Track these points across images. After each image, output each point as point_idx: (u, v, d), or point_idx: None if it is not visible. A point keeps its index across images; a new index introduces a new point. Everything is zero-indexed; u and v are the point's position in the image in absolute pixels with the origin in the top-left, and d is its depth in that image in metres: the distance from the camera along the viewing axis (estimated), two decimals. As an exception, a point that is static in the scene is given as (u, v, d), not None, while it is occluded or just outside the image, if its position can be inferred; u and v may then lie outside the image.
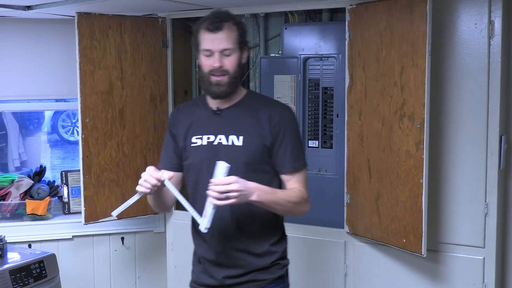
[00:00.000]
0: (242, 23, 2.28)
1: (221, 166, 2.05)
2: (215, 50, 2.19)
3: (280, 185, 2.33)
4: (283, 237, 2.38)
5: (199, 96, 2.60)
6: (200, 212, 2.16)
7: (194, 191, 2.35)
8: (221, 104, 2.31)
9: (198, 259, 2.42)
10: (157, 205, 2.39)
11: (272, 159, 2.28)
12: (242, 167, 2.22)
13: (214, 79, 2.21)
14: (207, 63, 2.22)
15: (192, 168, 2.33)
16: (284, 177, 2.29)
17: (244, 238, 2.28)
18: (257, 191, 2.10)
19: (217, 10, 2.26)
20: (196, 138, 2.31)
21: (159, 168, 2.35)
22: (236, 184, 2.02)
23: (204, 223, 2.08)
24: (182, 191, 2.29)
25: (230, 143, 2.26)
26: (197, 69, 3.94)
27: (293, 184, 2.28)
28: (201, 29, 2.23)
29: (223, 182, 2.02)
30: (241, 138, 2.25)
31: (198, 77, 2.36)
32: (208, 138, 2.29)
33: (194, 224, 2.39)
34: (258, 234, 2.29)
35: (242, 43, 2.25)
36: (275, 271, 2.31)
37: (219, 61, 2.19)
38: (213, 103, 2.33)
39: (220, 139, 2.27)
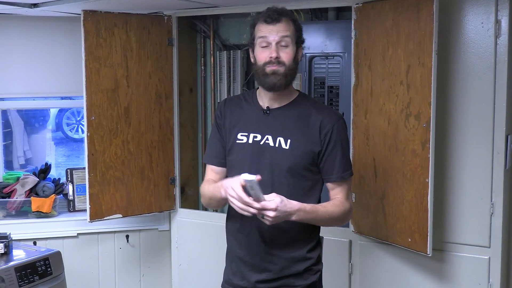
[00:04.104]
0: (298, 20, 2.25)
1: (247, 179, 1.98)
2: (272, 40, 2.15)
3: (320, 194, 2.30)
4: (318, 243, 2.35)
5: (248, 91, 2.54)
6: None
7: None
8: (271, 103, 2.26)
9: (231, 260, 2.36)
10: (215, 204, 2.32)
11: (319, 167, 2.25)
12: (286, 171, 2.20)
13: (270, 68, 2.16)
14: (263, 54, 2.17)
15: (234, 165, 2.29)
16: (329, 185, 2.27)
17: (281, 243, 2.24)
18: (297, 213, 2.06)
19: (274, 6, 2.22)
20: (242, 135, 2.27)
21: (205, 161, 2.38)
22: (273, 212, 1.99)
23: None
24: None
25: (276, 145, 2.21)
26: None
27: (337, 193, 2.25)
28: (258, 21, 2.20)
29: (264, 208, 1.98)
30: (288, 141, 2.20)
31: (253, 72, 2.31)
32: (255, 137, 2.24)
33: (229, 224, 2.36)
34: (295, 239, 2.24)
35: (298, 39, 2.22)
36: (307, 277, 2.28)
37: (276, 51, 2.15)
38: (263, 101, 2.28)
39: (267, 140, 2.23)
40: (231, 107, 2.36)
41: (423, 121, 2.73)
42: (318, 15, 3.62)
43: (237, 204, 2.02)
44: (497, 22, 2.77)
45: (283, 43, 2.17)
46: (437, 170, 2.79)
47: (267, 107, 2.27)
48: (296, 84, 3.49)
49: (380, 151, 2.98)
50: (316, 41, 3.44)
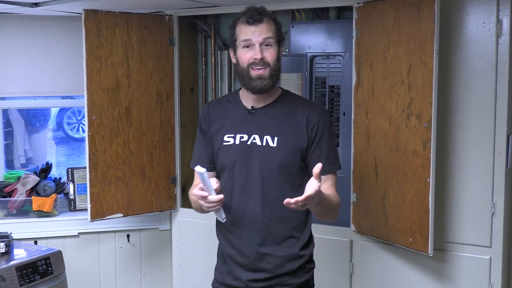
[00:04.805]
0: (277, 19, 2.25)
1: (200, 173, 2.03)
2: (255, 41, 2.15)
3: None
4: (310, 240, 2.35)
5: (230, 93, 2.53)
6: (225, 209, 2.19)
7: (225, 191, 2.27)
8: (256, 103, 2.26)
9: (223, 259, 2.35)
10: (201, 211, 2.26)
11: (306, 161, 2.24)
12: (275, 169, 2.20)
13: (255, 73, 2.16)
14: (246, 56, 2.17)
15: (224, 168, 2.28)
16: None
17: (273, 242, 2.23)
18: (319, 197, 2.02)
19: (253, 6, 2.22)
20: (228, 137, 2.25)
21: (191, 167, 2.34)
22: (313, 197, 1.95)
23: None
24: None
25: (264, 143, 2.21)
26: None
27: (328, 188, 2.22)
28: (239, 23, 2.19)
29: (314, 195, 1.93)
30: (275, 139, 2.20)
31: (235, 73, 2.28)
32: (242, 137, 2.23)
33: (220, 225, 2.34)
34: (288, 237, 2.24)
35: (279, 37, 2.22)
36: (301, 275, 2.28)
37: (260, 52, 2.15)
38: (247, 101, 2.28)
39: (254, 139, 2.22)
40: (215, 110, 2.35)
41: (424, 121, 2.72)
42: (319, 15, 3.61)
43: (204, 204, 2.06)
44: (499, 22, 2.76)
45: (266, 44, 2.17)
46: (438, 170, 2.79)
47: (252, 106, 2.27)
48: (297, 84, 3.49)
49: (381, 151, 2.97)
50: (317, 40, 3.44)
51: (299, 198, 1.90)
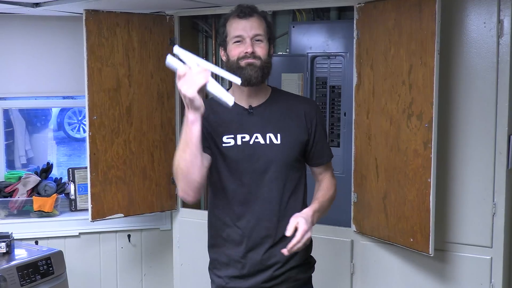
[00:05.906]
0: (267, 17, 2.27)
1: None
2: (246, 36, 2.15)
3: (306, 182, 2.32)
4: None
5: None
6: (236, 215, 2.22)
7: (228, 193, 2.23)
8: (250, 102, 2.24)
9: (226, 262, 2.27)
10: (191, 159, 2.00)
11: (310, 152, 2.29)
12: (281, 166, 2.20)
13: (245, 61, 2.14)
14: (237, 50, 2.16)
15: (227, 170, 2.20)
16: (319, 169, 2.34)
17: (282, 237, 2.18)
18: (314, 215, 2.16)
19: (243, 4, 2.23)
20: (228, 138, 2.19)
21: None
22: (309, 232, 2.08)
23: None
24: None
25: (267, 141, 2.20)
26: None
27: (326, 174, 2.35)
28: (230, 19, 2.20)
29: (300, 237, 2.04)
30: (279, 135, 2.20)
31: (226, 69, 2.25)
32: (243, 137, 2.19)
33: (219, 224, 2.27)
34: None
35: (270, 35, 2.23)
36: (306, 270, 2.31)
37: (251, 46, 2.15)
38: (241, 102, 2.23)
39: (256, 138, 2.20)
40: (210, 107, 2.18)
41: (425, 121, 2.72)
42: (320, 15, 3.62)
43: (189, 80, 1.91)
44: (499, 22, 2.76)
45: (257, 38, 2.17)
46: (439, 170, 2.79)
47: (250, 106, 2.24)
48: (298, 84, 3.49)
49: (382, 151, 2.97)
50: (318, 40, 3.44)
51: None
